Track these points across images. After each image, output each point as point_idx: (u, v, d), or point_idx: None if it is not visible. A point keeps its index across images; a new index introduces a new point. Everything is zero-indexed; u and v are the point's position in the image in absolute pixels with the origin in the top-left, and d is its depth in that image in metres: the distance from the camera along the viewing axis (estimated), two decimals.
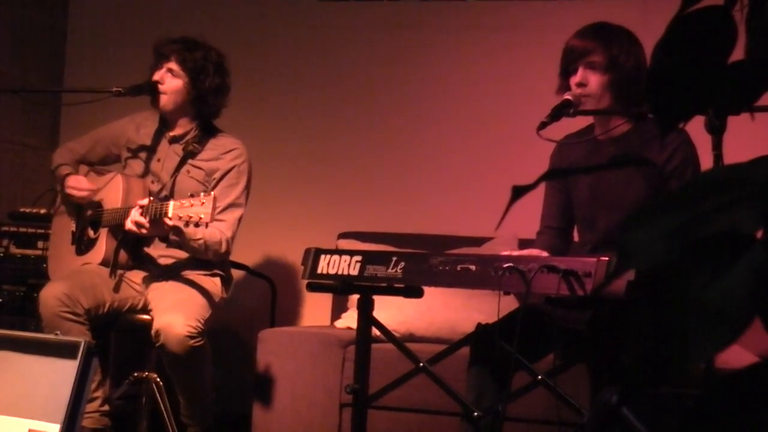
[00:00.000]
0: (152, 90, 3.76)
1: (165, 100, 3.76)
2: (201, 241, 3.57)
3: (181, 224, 3.36)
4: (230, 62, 3.88)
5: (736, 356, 2.89)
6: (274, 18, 4.90)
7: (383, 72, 4.76)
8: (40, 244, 4.19)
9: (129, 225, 3.44)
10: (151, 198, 3.52)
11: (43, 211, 4.30)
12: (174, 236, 3.49)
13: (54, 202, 4.15)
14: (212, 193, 3.31)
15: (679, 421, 0.83)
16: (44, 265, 4.04)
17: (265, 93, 4.83)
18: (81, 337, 3.43)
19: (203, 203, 3.26)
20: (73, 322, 3.47)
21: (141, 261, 3.77)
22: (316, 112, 4.81)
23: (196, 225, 3.32)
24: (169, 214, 3.32)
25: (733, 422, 0.81)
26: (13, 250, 4.24)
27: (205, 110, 3.81)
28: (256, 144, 4.01)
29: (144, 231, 3.43)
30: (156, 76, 3.76)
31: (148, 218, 3.40)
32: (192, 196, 3.33)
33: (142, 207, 3.42)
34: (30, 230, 4.24)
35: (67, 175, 3.86)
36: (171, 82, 3.75)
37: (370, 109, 4.76)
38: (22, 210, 4.38)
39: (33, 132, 4.93)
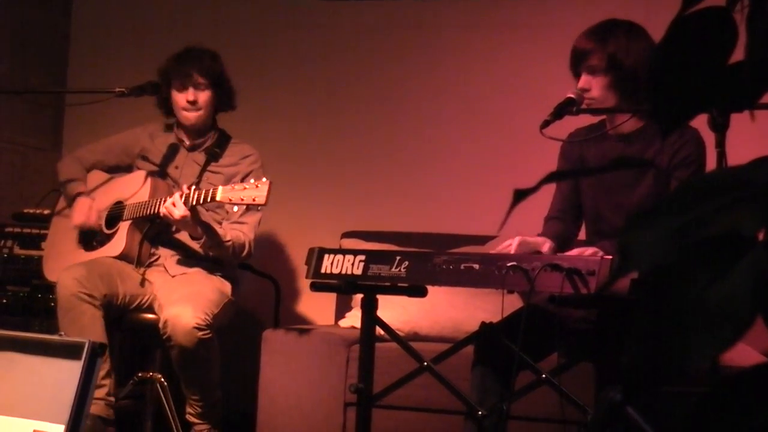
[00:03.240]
0: (155, 91, 3.77)
1: (200, 116, 3.81)
2: (230, 242, 3.61)
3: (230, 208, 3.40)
4: (231, 63, 3.89)
5: (743, 355, 2.89)
6: (275, 18, 4.90)
7: (385, 71, 4.75)
8: (43, 244, 4.19)
9: (167, 205, 3.45)
10: (193, 186, 3.54)
11: (46, 211, 4.30)
12: (206, 231, 3.55)
13: (57, 203, 4.14)
14: (266, 179, 3.32)
15: (684, 420, 0.83)
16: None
17: (267, 93, 4.83)
18: (94, 321, 3.46)
19: (258, 186, 3.27)
20: (89, 305, 3.47)
21: (168, 246, 3.79)
22: (318, 111, 4.81)
23: (248, 208, 3.33)
24: (218, 198, 3.32)
25: (738, 421, 0.81)
26: (17, 250, 4.24)
27: (224, 109, 3.89)
28: (258, 144, 4.01)
29: (181, 216, 3.43)
30: (189, 97, 3.77)
31: (188, 207, 3.42)
32: (244, 179, 3.36)
33: (184, 194, 3.44)
34: (33, 231, 4.24)
35: (78, 195, 3.86)
36: (202, 96, 3.78)
37: (373, 108, 4.75)
38: (25, 211, 4.38)
39: (36, 133, 4.94)
